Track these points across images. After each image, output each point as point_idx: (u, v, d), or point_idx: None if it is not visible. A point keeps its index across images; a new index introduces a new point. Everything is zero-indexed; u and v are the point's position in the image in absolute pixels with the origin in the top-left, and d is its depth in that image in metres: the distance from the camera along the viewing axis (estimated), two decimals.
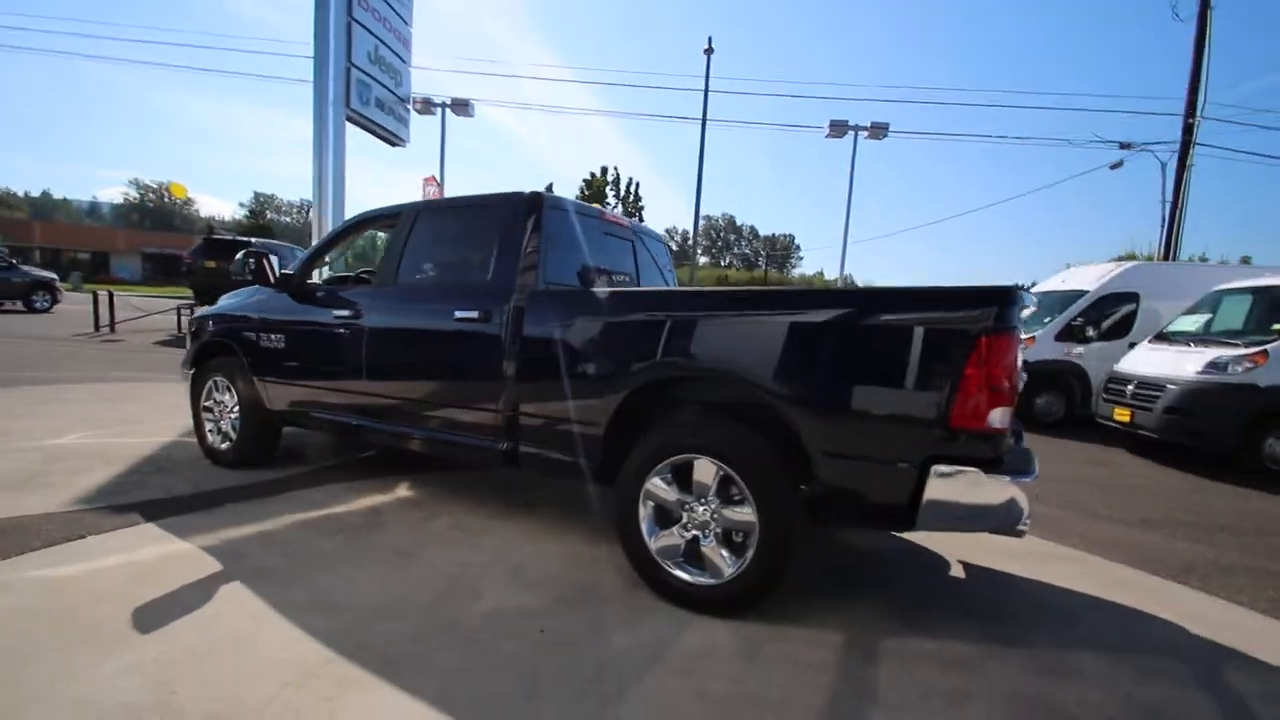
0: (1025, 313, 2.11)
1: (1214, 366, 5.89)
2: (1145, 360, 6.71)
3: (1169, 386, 6.07)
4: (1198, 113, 14.21)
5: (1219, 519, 4.30)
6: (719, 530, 2.45)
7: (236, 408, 4.09)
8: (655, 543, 2.56)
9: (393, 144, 14.18)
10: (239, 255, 3.75)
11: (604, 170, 32.26)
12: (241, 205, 74.61)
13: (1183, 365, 6.16)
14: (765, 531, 2.30)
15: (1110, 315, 8.22)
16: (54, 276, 17.35)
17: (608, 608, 2.51)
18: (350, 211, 11.99)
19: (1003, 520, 2.08)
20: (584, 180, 32.39)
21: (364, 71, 12.32)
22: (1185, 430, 5.91)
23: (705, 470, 2.45)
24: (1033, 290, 9.00)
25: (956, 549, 3.37)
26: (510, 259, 3.05)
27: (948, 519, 2.10)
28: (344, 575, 2.68)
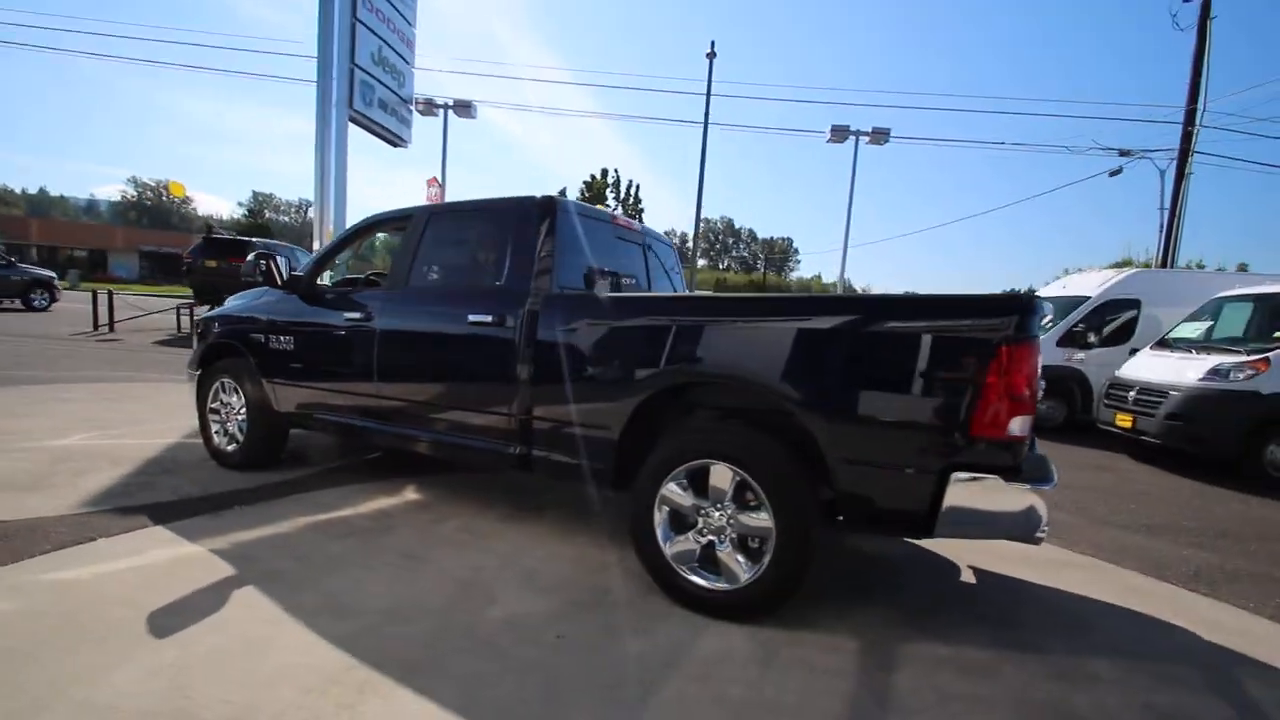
0: (1045, 321, 2.11)
1: (1216, 373, 5.92)
2: (1147, 366, 6.74)
3: (1171, 393, 6.10)
4: (1197, 121, 14.32)
5: (1222, 525, 4.32)
6: (735, 536, 2.45)
7: (244, 409, 4.07)
8: (671, 548, 2.56)
9: (395, 145, 14.15)
10: (250, 256, 3.74)
11: (604, 172, 32.30)
12: (240, 204, 74.55)
13: (1185, 372, 6.19)
14: (782, 537, 2.30)
15: (1112, 321, 8.25)
16: (52, 275, 17.27)
17: (622, 613, 2.50)
18: (351, 212, 11.98)
19: (1021, 527, 2.09)
20: (584, 182, 32.42)
21: (367, 72, 12.29)
22: (1187, 436, 5.93)
23: (721, 476, 2.45)
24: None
25: (966, 554, 3.38)
26: (524, 263, 3.05)
27: (967, 526, 2.11)
28: (356, 579, 2.67)
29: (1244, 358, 5.87)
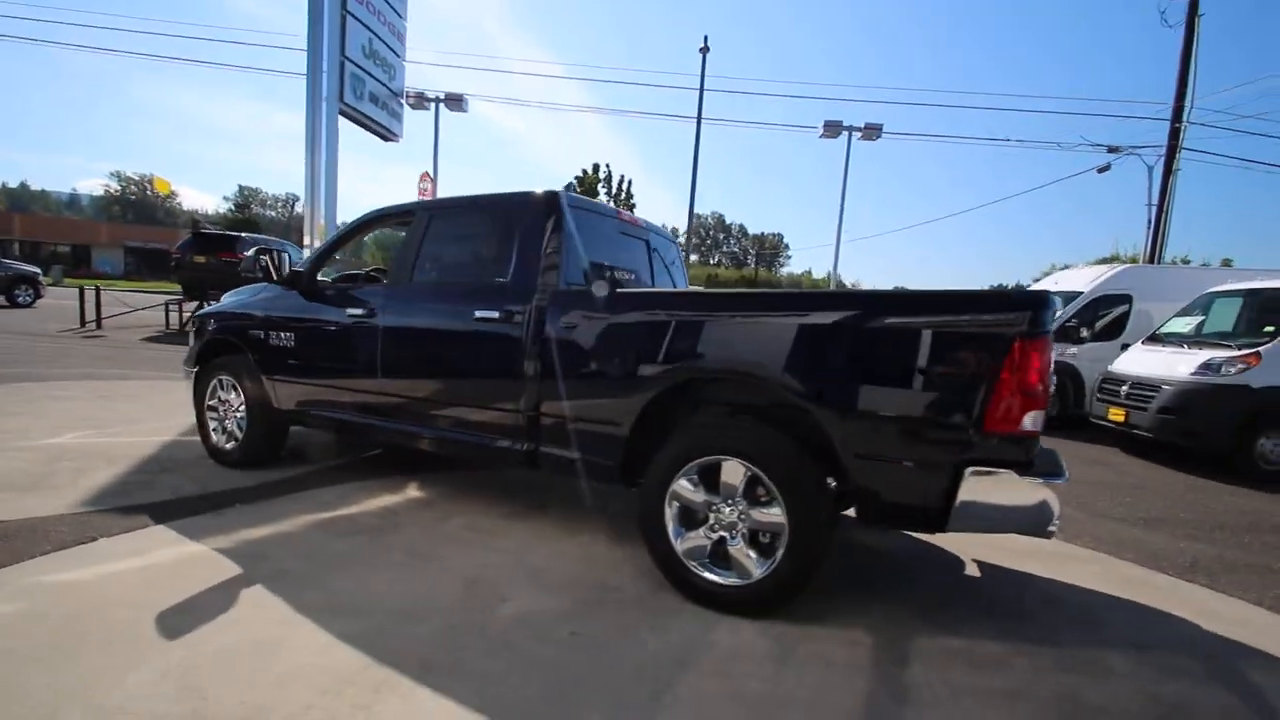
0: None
1: (1208, 368, 5.99)
2: (1140, 361, 6.82)
3: (1164, 387, 6.18)
4: (1184, 118, 14.47)
5: (1218, 518, 4.38)
6: (746, 531, 2.46)
7: (243, 407, 4.03)
8: (681, 544, 2.56)
9: (386, 139, 14.04)
10: (250, 252, 3.69)
11: (596, 167, 32.14)
12: (226, 199, 73.65)
13: (1177, 366, 6.27)
14: (795, 532, 2.30)
15: (1104, 316, 8.34)
16: (37, 271, 17.00)
17: (633, 610, 2.50)
18: (342, 206, 11.87)
19: (1034, 522, 2.11)
20: (576, 178, 32.25)
21: (358, 65, 12.19)
22: (1180, 430, 6.01)
23: (733, 471, 2.45)
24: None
25: (969, 548, 3.41)
26: (531, 259, 3.03)
27: (980, 520, 2.12)
28: (364, 577, 2.65)
29: (1235, 352, 5.95)
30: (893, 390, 2.20)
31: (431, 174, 18.91)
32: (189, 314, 12.98)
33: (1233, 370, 5.84)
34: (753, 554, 2.44)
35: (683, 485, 2.56)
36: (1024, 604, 2.81)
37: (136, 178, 73.18)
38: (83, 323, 11.97)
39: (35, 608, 2.24)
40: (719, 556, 2.53)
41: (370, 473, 4.18)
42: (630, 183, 31.92)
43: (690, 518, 2.60)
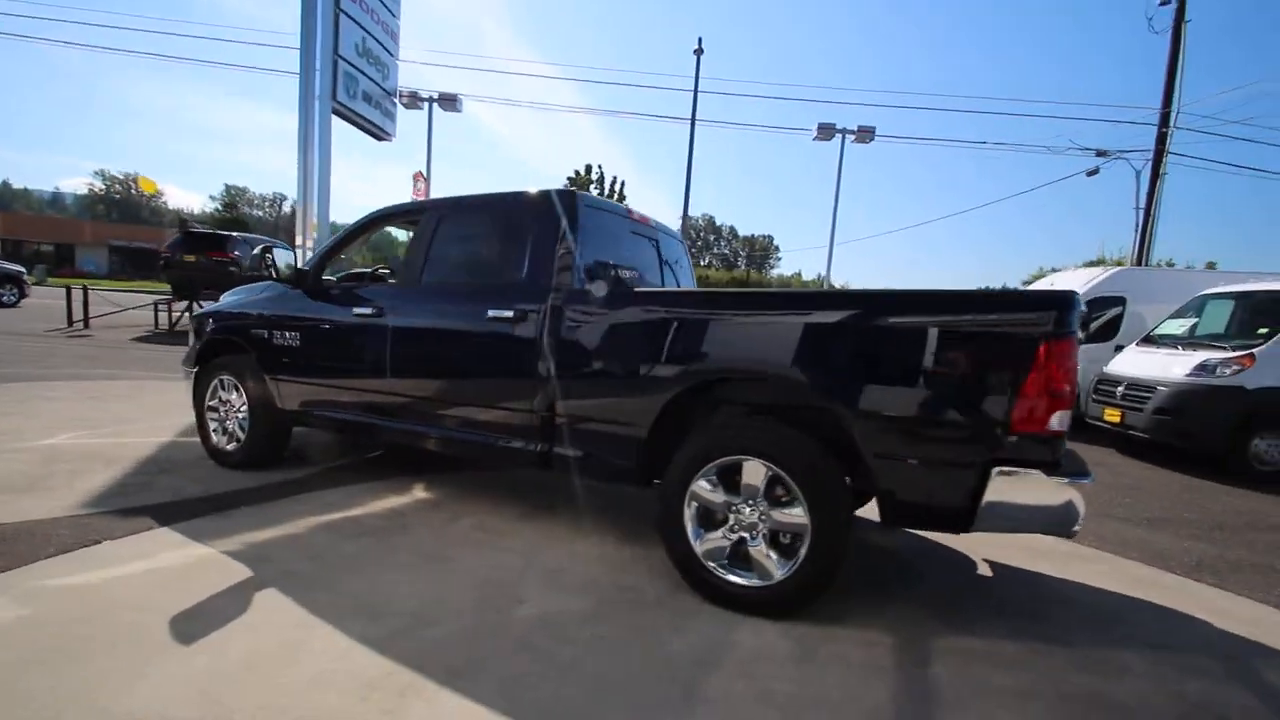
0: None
1: (1203, 369, 6.07)
2: (1135, 362, 6.89)
3: (1159, 388, 6.24)
4: (1171, 123, 14.71)
5: (1218, 518, 4.43)
6: (767, 532, 2.45)
7: (245, 407, 3.96)
8: (701, 545, 2.55)
9: (379, 138, 13.93)
10: (255, 251, 3.64)
11: (588, 168, 32.08)
12: (212, 198, 72.73)
13: (1172, 368, 6.34)
14: (818, 533, 2.30)
15: (1098, 318, 8.42)
16: (21, 269, 16.69)
17: (654, 611, 2.48)
18: (335, 206, 11.75)
19: (1060, 522, 2.11)
20: (568, 178, 32.18)
21: (351, 64, 12.10)
22: (1175, 431, 6.08)
23: (754, 472, 2.43)
24: None
25: (978, 548, 3.42)
26: (545, 258, 3.00)
27: (1006, 521, 2.12)
28: (378, 579, 2.61)
29: (1230, 353, 6.02)
30: (919, 390, 2.19)
31: (425, 174, 18.79)
32: (179, 314, 12.81)
33: (1228, 372, 5.92)
34: (773, 555, 2.43)
35: (702, 486, 2.54)
36: (1036, 603, 2.82)
37: (121, 176, 72.22)
38: (70, 322, 11.77)
39: (45, 612, 2.19)
40: (738, 557, 2.52)
41: (374, 474, 4.13)
42: (623, 184, 31.87)
43: (709, 519, 2.58)
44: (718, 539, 2.53)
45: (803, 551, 2.33)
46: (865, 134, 18.54)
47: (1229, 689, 2.18)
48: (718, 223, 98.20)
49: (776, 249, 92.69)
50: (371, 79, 12.90)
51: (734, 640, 2.29)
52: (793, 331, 2.40)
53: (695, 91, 18.81)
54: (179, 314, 12.83)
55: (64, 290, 12.36)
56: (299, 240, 11.28)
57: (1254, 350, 5.90)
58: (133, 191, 68.66)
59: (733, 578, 2.48)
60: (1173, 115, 14.63)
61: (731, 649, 2.23)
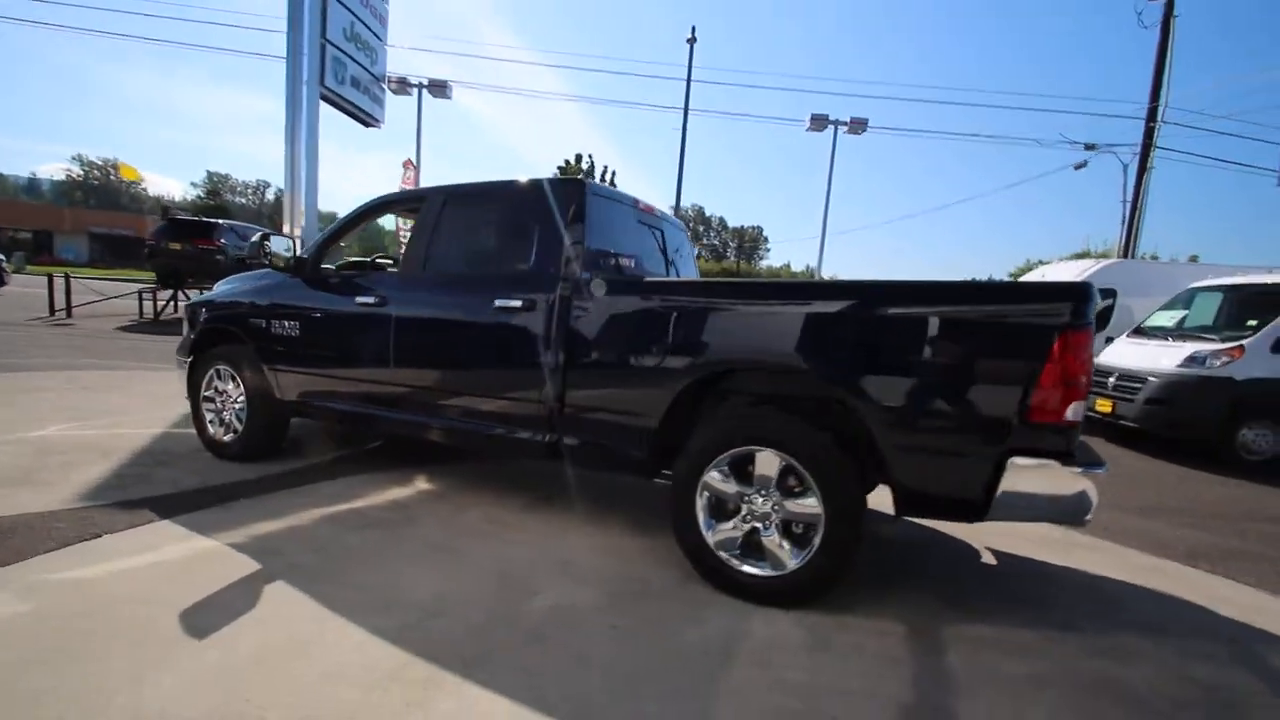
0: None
1: (1193, 360, 6.16)
2: (1126, 354, 6.98)
3: (1150, 379, 6.33)
4: (1159, 117, 14.83)
5: (1211, 506, 4.51)
6: (780, 522, 2.45)
7: (242, 398, 3.90)
8: (713, 536, 2.54)
9: (367, 125, 13.70)
10: (254, 239, 3.57)
11: (578, 158, 31.84)
12: (194, 185, 71.36)
13: (1162, 359, 6.43)
14: (832, 522, 2.30)
15: None
16: (2, 258, 16.34)
17: (667, 602, 2.48)
18: (323, 194, 11.56)
19: (1073, 511, 2.13)
20: (558, 168, 31.92)
21: (339, 48, 11.86)
22: (1166, 421, 6.18)
23: (767, 462, 2.43)
24: None
25: (981, 536, 3.45)
26: (553, 246, 2.96)
27: (1021, 510, 2.14)
28: (387, 571, 2.59)
29: (1220, 345, 6.12)
30: (936, 381, 2.19)
31: (415, 161, 18.56)
32: (164, 303, 12.59)
33: (1217, 363, 6.01)
34: (786, 545, 2.43)
35: (714, 476, 2.54)
36: (1045, 591, 2.86)
37: (100, 162, 70.62)
38: (52, 311, 11.53)
39: (50, 607, 2.14)
40: (750, 547, 2.52)
41: (373, 465, 4.09)
42: (614, 175, 31.66)
43: (721, 509, 2.58)
44: (730, 529, 2.53)
45: (816, 541, 2.34)
46: (858, 125, 18.56)
47: (1235, 672, 2.22)
48: (707, 213, 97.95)
49: (766, 240, 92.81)
50: (360, 64, 12.65)
51: (747, 630, 2.29)
52: (809, 322, 2.39)
53: (689, 81, 18.71)
54: (164, 303, 12.61)
55: (44, 278, 12.10)
56: (286, 228, 11.12)
57: (1243, 342, 5.99)
58: (112, 178, 67.19)
59: (746, 568, 2.48)
60: (1160, 110, 14.76)
61: (745, 638, 2.24)
